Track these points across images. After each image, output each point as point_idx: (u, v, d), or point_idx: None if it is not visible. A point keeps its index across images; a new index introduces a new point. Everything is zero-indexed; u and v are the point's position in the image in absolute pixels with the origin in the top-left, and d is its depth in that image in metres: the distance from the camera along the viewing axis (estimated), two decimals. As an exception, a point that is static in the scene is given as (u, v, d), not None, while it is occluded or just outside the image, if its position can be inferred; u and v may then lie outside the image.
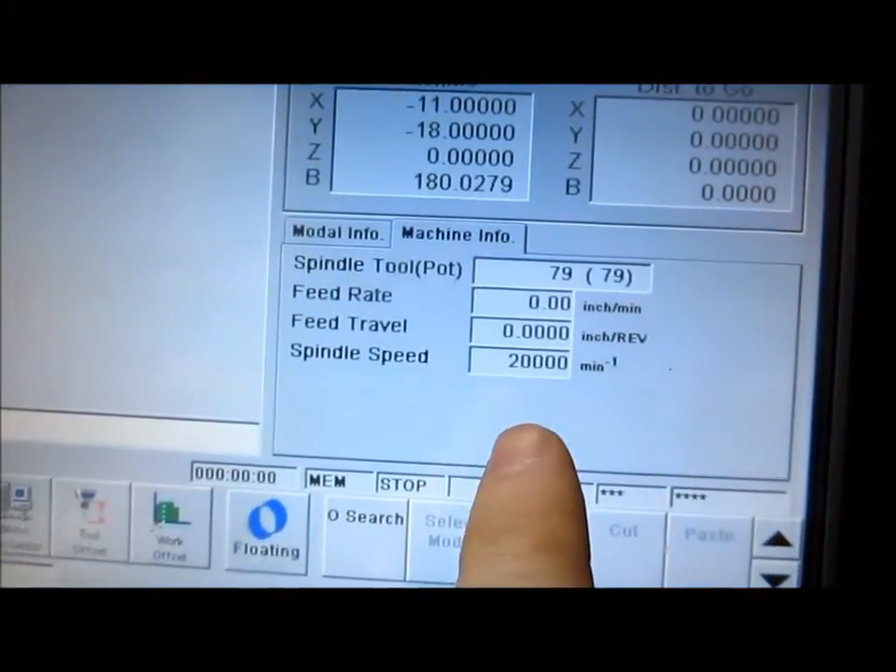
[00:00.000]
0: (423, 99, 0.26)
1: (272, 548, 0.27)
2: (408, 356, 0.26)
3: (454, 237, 0.26)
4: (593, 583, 0.18)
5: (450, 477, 0.26)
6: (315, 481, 0.27)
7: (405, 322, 0.26)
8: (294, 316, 0.26)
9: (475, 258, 0.26)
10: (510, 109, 0.26)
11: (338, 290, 0.26)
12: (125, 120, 0.27)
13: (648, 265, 0.26)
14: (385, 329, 0.26)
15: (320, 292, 0.26)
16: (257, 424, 0.27)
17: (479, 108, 0.26)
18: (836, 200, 0.25)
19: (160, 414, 0.27)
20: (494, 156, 0.26)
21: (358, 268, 0.26)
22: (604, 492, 0.26)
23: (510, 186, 0.26)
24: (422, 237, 0.26)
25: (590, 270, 0.26)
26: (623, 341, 0.26)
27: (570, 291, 0.26)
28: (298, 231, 0.26)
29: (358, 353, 0.26)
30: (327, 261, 0.26)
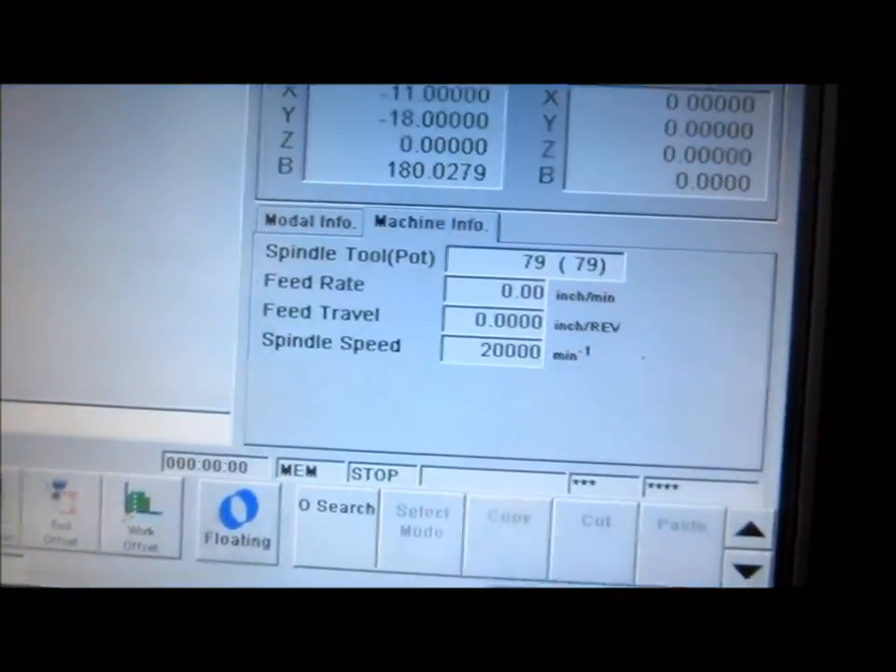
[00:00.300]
0: (396, 88, 0.26)
1: (243, 538, 0.26)
2: (380, 344, 0.26)
3: (426, 225, 0.26)
4: None
5: (422, 466, 0.26)
6: (286, 470, 0.26)
7: (377, 311, 0.26)
8: (266, 305, 0.26)
9: (448, 246, 0.26)
10: (483, 97, 0.26)
11: (310, 279, 0.26)
12: (108, 116, 0.26)
13: (621, 254, 0.26)
14: (357, 317, 0.26)
15: (292, 281, 0.26)
16: (228, 413, 0.26)
17: (452, 97, 0.26)
18: (811, 188, 0.25)
19: (131, 404, 0.27)
20: (467, 144, 0.26)
21: (331, 257, 0.26)
22: (576, 481, 0.26)
23: (483, 174, 0.26)
24: (394, 226, 0.26)
25: (563, 258, 0.26)
26: (597, 330, 0.26)
27: (543, 280, 0.26)
28: (270, 219, 0.26)
29: (330, 342, 0.26)
30: (299, 250, 0.26)
